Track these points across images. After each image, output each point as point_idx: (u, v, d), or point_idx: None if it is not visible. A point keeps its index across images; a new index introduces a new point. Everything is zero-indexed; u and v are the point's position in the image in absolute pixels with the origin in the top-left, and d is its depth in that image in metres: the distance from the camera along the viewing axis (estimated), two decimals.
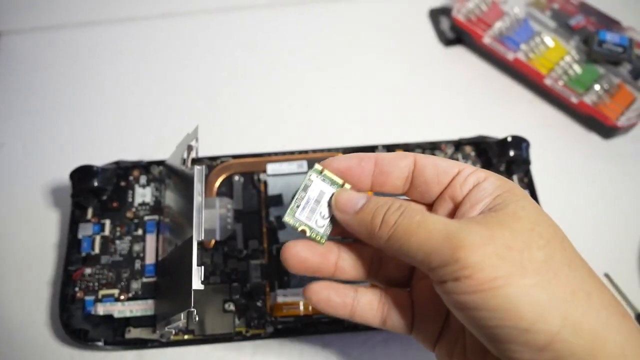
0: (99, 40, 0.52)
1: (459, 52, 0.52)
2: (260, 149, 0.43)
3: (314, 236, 0.27)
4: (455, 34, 0.52)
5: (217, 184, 0.41)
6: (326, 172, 0.27)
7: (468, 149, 0.44)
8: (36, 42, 0.52)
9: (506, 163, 0.41)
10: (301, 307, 0.36)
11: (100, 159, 0.41)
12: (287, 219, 0.27)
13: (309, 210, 0.27)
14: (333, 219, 0.27)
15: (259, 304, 0.37)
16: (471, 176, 0.25)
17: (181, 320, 0.31)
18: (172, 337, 0.36)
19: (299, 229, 0.27)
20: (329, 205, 0.27)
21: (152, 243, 0.39)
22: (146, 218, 0.40)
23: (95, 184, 0.39)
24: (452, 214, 0.26)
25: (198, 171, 0.33)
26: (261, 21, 0.54)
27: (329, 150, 0.43)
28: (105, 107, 0.48)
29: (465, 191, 0.25)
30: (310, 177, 0.27)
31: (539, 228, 0.23)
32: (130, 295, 0.37)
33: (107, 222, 0.40)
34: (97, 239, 0.39)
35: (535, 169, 0.43)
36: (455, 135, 0.44)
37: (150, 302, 0.37)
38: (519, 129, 0.43)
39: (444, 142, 0.44)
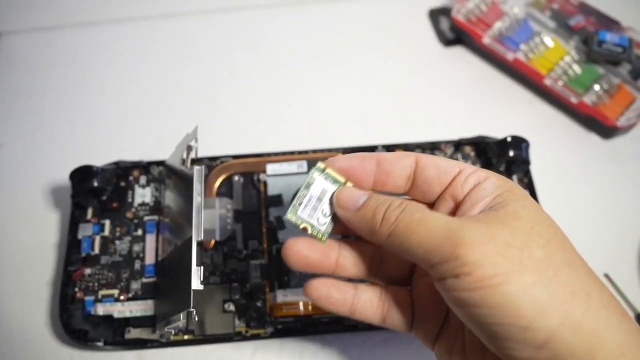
0: (99, 40, 0.52)
1: (459, 52, 0.52)
2: (260, 149, 0.43)
3: (316, 234, 0.27)
4: (455, 34, 0.52)
5: (217, 184, 0.41)
6: (329, 170, 0.27)
7: (468, 149, 0.44)
8: (36, 42, 0.52)
9: (506, 163, 0.41)
10: (301, 307, 0.36)
11: (100, 159, 0.41)
12: (289, 216, 0.27)
13: (311, 208, 0.27)
14: (335, 217, 0.27)
15: (258, 304, 0.37)
16: (472, 176, 0.26)
17: (181, 320, 0.31)
18: (171, 337, 0.36)
19: (301, 227, 0.27)
20: (331, 203, 0.27)
21: (151, 243, 0.39)
22: (146, 218, 0.40)
23: (95, 184, 0.39)
24: (453, 213, 0.26)
25: (197, 171, 0.33)
26: (261, 21, 0.54)
27: (329, 150, 0.43)
28: (105, 107, 0.48)
29: (466, 190, 0.25)
30: (312, 175, 0.27)
31: (539, 227, 0.23)
32: (130, 295, 0.37)
33: (107, 223, 0.40)
34: (97, 239, 0.39)
35: (535, 169, 0.43)
36: (455, 136, 0.44)
37: (150, 303, 0.37)
38: (519, 129, 0.43)
39: (443, 142, 0.44)
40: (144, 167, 0.42)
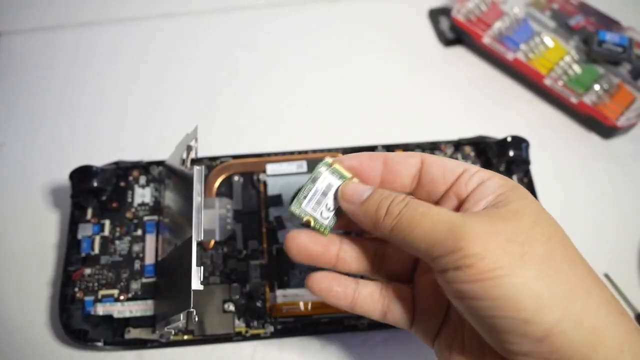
0: (99, 40, 0.52)
1: (459, 52, 0.52)
2: (260, 149, 0.43)
3: (318, 227, 0.28)
4: (455, 34, 0.52)
5: (217, 184, 0.41)
6: (336, 165, 0.27)
7: (468, 149, 0.44)
8: (36, 42, 0.52)
9: (506, 163, 0.41)
10: (301, 307, 0.36)
11: (100, 159, 0.41)
12: (293, 209, 0.27)
13: (315, 202, 0.27)
14: (338, 212, 0.28)
15: (258, 304, 0.37)
16: (476, 175, 0.26)
17: (181, 320, 0.31)
18: (171, 338, 0.36)
19: (304, 220, 0.27)
20: (335, 198, 0.27)
21: (151, 243, 0.39)
22: (146, 218, 0.40)
23: (95, 184, 0.39)
24: (456, 210, 0.26)
25: (197, 171, 0.33)
26: (261, 21, 0.54)
27: (329, 150, 0.43)
28: (105, 107, 0.48)
29: (470, 189, 0.26)
30: (319, 169, 0.27)
31: (541, 225, 0.23)
32: (129, 295, 0.37)
33: (107, 223, 0.40)
34: (97, 239, 0.39)
35: (535, 169, 0.43)
36: (455, 136, 0.44)
37: (149, 303, 0.37)
38: (519, 129, 0.43)
39: (443, 142, 0.44)
40: (144, 167, 0.42)
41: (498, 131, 0.43)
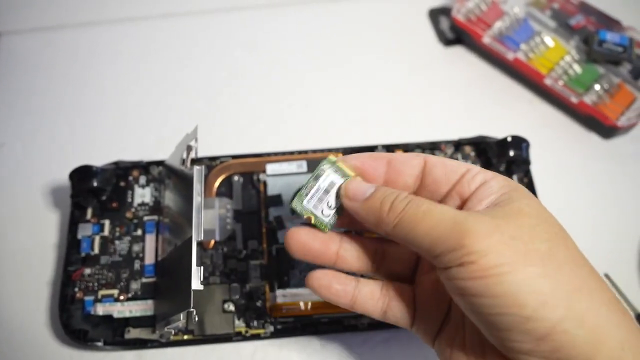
0: (99, 40, 0.52)
1: (459, 52, 0.52)
2: (260, 149, 0.43)
3: (318, 224, 0.28)
4: (455, 34, 0.52)
5: (217, 184, 0.41)
6: (340, 163, 0.28)
7: (468, 149, 0.44)
8: (36, 42, 0.52)
9: (506, 163, 0.41)
10: (301, 307, 0.36)
11: (100, 159, 0.41)
12: (295, 205, 0.28)
13: (317, 200, 0.28)
14: (339, 210, 0.28)
15: (258, 304, 0.37)
16: (479, 175, 0.26)
17: (181, 320, 0.31)
18: (171, 337, 0.36)
19: (305, 216, 0.28)
20: (337, 196, 0.28)
21: (151, 243, 0.39)
22: (145, 218, 0.40)
23: (95, 184, 0.39)
24: (459, 209, 0.26)
25: (197, 171, 0.33)
26: (261, 21, 0.54)
27: (329, 150, 0.43)
28: (105, 107, 0.48)
29: (472, 188, 0.26)
30: (323, 167, 0.28)
31: (544, 224, 0.24)
32: (129, 295, 0.37)
33: (107, 223, 0.40)
34: (97, 239, 0.39)
35: (535, 169, 0.42)
36: (455, 136, 0.44)
37: (149, 303, 0.37)
38: (519, 129, 0.43)
39: (443, 142, 0.44)
40: (144, 167, 0.42)
41: (498, 131, 0.43)
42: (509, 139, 0.41)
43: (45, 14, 0.54)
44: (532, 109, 0.48)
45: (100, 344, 0.36)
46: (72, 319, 0.36)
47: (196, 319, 0.31)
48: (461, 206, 0.26)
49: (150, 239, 0.39)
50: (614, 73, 0.47)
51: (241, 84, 0.50)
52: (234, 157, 0.43)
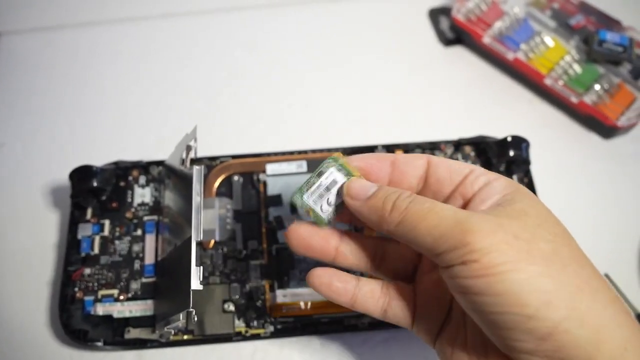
0: (99, 40, 0.52)
1: (459, 52, 0.52)
2: (259, 149, 0.43)
3: (316, 219, 0.28)
4: (455, 33, 0.52)
5: (217, 184, 0.41)
6: (344, 162, 0.28)
7: (468, 149, 0.43)
8: (36, 42, 0.52)
9: (506, 163, 0.41)
10: (301, 307, 0.36)
11: (99, 159, 0.41)
12: (295, 198, 0.28)
13: (317, 196, 0.28)
14: (338, 208, 0.28)
15: (258, 304, 0.37)
16: (482, 176, 0.26)
17: (180, 320, 0.31)
18: (171, 337, 0.36)
19: (304, 210, 0.28)
20: (338, 194, 0.28)
21: (151, 243, 0.39)
22: (145, 218, 0.40)
23: (95, 184, 0.39)
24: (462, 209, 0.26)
25: (197, 171, 0.33)
26: (261, 21, 0.54)
27: (329, 150, 0.43)
28: (105, 107, 0.48)
29: (475, 189, 0.26)
30: (326, 164, 0.28)
31: (547, 225, 0.24)
32: (129, 295, 0.37)
33: (107, 223, 0.40)
34: (97, 239, 0.39)
35: (535, 169, 0.42)
36: (455, 135, 0.44)
37: (149, 302, 0.37)
38: (519, 129, 0.43)
39: (443, 142, 0.44)
40: (144, 167, 0.42)
41: (498, 131, 0.43)
42: (509, 139, 0.41)
43: (45, 14, 0.54)
44: (532, 109, 0.48)
45: (100, 344, 0.36)
46: (72, 319, 0.36)
47: (196, 319, 0.31)
48: (464, 207, 0.26)
49: (150, 239, 0.39)
50: (614, 73, 0.47)
51: (241, 84, 0.50)
52: (234, 157, 0.43)
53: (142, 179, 0.42)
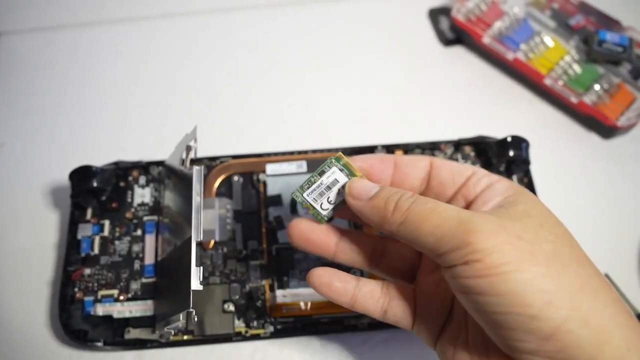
0: (99, 40, 0.52)
1: (459, 52, 0.52)
2: (259, 149, 0.43)
3: (315, 216, 0.28)
4: (455, 33, 0.52)
5: (217, 184, 0.41)
6: (347, 162, 0.28)
7: (467, 149, 0.43)
8: (36, 42, 0.52)
9: (506, 163, 0.41)
10: (301, 307, 0.36)
11: (99, 159, 0.41)
12: (296, 194, 0.28)
13: (318, 194, 0.28)
14: (338, 207, 0.28)
15: (258, 304, 0.37)
16: (484, 178, 0.27)
17: (180, 320, 0.31)
18: (171, 338, 0.36)
19: (303, 206, 0.28)
20: (339, 193, 0.28)
21: (151, 243, 0.39)
22: (145, 218, 0.40)
23: (95, 184, 0.39)
24: None
25: (197, 171, 0.33)
26: (261, 21, 0.54)
27: (329, 150, 0.43)
28: (105, 107, 0.48)
29: (478, 190, 0.26)
30: (329, 163, 0.28)
31: (548, 226, 0.24)
32: (129, 295, 0.37)
33: (107, 223, 0.40)
34: (97, 239, 0.39)
35: (535, 169, 0.42)
36: (454, 136, 0.44)
37: (149, 303, 0.37)
38: (519, 129, 0.43)
39: (443, 142, 0.44)
40: (144, 167, 0.42)
41: (498, 131, 0.43)
42: (509, 139, 0.41)
43: (45, 14, 0.54)
44: (532, 109, 0.48)
45: (100, 344, 0.36)
46: (72, 319, 0.36)
47: (196, 319, 0.31)
48: (466, 208, 0.26)
49: (150, 239, 0.39)
50: (614, 73, 0.47)
51: (241, 84, 0.50)
52: (234, 157, 0.43)
53: (142, 179, 0.42)
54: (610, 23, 0.49)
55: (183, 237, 0.34)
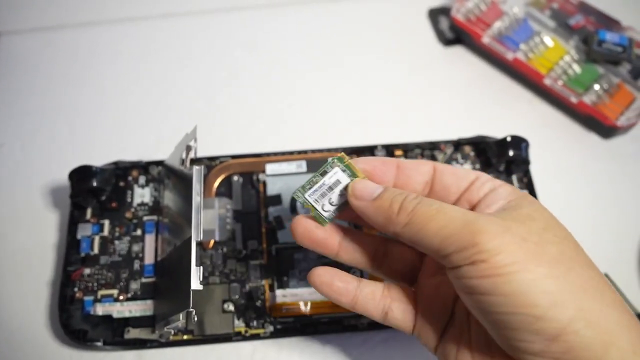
0: (99, 40, 0.52)
1: (459, 52, 0.52)
2: (259, 149, 0.43)
3: (317, 217, 0.28)
4: (455, 33, 0.52)
5: (216, 184, 0.41)
6: (350, 162, 0.28)
7: (467, 149, 0.43)
8: (36, 42, 0.52)
9: (505, 163, 0.41)
10: (301, 307, 0.36)
11: (99, 159, 0.41)
12: (297, 195, 0.28)
13: (320, 194, 0.28)
14: (340, 208, 0.28)
15: (258, 304, 0.37)
16: (488, 182, 0.27)
17: (180, 320, 0.31)
18: (171, 337, 0.36)
19: (305, 207, 0.28)
20: (341, 194, 0.28)
21: (151, 243, 0.39)
22: (145, 218, 0.40)
23: (94, 184, 0.39)
24: None
25: (197, 171, 0.33)
26: (261, 21, 0.54)
27: (329, 150, 0.43)
28: (104, 107, 0.48)
29: (481, 194, 0.26)
30: (331, 163, 0.28)
31: (552, 229, 0.24)
32: (129, 295, 0.37)
33: (106, 223, 0.40)
34: (96, 239, 0.39)
35: (535, 169, 0.42)
36: (454, 135, 0.44)
37: (149, 303, 0.37)
38: (519, 129, 0.43)
39: (443, 142, 0.44)
40: (143, 167, 0.42)
41: (498, 131, 0.43)
42: (509, 139, 0.41)
43: (45, 14, 0.54)
44: (532, 109, 0.48)
45: (99, 344, 0.36)
46: (71, 319, 0.36)
47: (195, 319, 0.31)
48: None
49: (149, 239, 0.39)
50: (614, 73, 0.47)
51: (241, 84, 0.50)
52: (234, 157, 0.43)
53: (142, 179, 0.42)
54: (610, 23, 0.49)
55: (183, 237, 0.34)
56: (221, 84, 0.49)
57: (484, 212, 0.25)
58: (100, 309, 0.36)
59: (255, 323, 0.37)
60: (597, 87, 0.46)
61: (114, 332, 0.36)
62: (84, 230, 0.39)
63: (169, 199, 0.39)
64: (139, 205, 0.41)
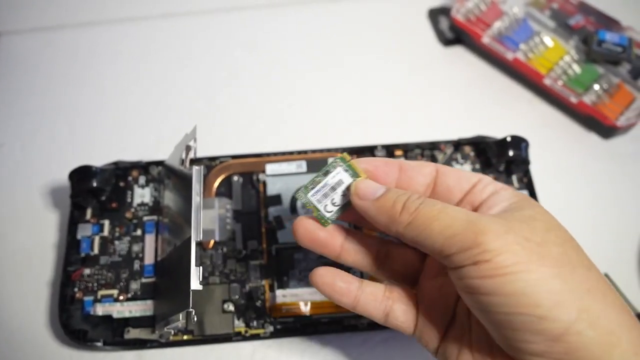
0: (99, 40, 0.52)
1: (458, 52, 0.52)
2: (259, 149, 0.43)
3: (319, 218, 0.28)
4: (455, 33, 0.52)
5: (216, 184, 0.41)
6: (352, 162, 0.28)
7: (467, 149, 0.43)
8: (36, 42, 0.52)
9: (505, 163, 0.41)
10: (301, 307, 0.36)
11: (99, 159, 0.41)
12: (299, 195, 0.28)
13: (322, 195, 0.28)
14: (342, 209, 0.28)
15: (258, 304, 0.37)
16: (490, 185, 0.27)
17: (180, 320, 0.31)
18: (171, 338, 0.36)
19: (307, 207, 0.28)
20: (343, 195, 0.28)
21: (151, 243, 0.39)
22: (145, 218, 0.40)
23: (94, 184, 0.39)
24: None
25: (196, 171, 0.33)
26: (261, 21, 0.54)
27: (329, 150, 0.43)
28: (104, 107, 0.48)
29: (484, 196, 0.27)
30: (333, 163, 0.28)
31: (555, 230, 0.24)
32: (129, 295, 0.37)
33: (106, 223, 0.40)
34: (96, 239, 0.39)
35: (535, 169, 0.42)
36: (454, 135, 0.44)
37: (149, 303, 0.37)
38: (518, 129, 0.43)
39: (443, 142, 0.44)
40: (143, 167, 0.42)
41: (498, 131, 0.43)
42: (509, 139, 0.41)
43: (45, 14, 0.54)
44: (532, 109, 0.48)
45: (99, 344, 0.36)
46: (71, 319, 0.36)
47: (195, 319, 0.31)
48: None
49: (149, 239, 0.39)
50: (613, 73, 0.47)
51: (241, 84, 0.50)
52: (234, 157, 0.43)
53: (142, 179, 0.42)
54: (610, 23, 0.49)
55: (183, 237, 0.34)
56: (221, 84, 0.49)
57: (487, 213, 0.25)
58: (100, 309, 0.36)
59: (255, 323, 0.37)
60: (597, 87, 0.46)
61: (114, 332, 0.36)
62: (84, 231, 0.39)
63: (169, 199, 0.39)
64: (139, 205, 0.41)
